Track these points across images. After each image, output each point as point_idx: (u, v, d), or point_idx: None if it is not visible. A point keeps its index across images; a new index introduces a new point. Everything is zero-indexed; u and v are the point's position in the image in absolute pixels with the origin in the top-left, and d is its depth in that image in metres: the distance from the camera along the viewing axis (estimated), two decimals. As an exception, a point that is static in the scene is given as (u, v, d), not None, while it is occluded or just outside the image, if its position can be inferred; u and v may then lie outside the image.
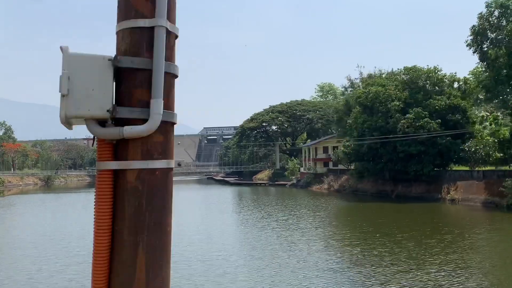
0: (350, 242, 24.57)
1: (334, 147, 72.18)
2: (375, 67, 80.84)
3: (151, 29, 1.93)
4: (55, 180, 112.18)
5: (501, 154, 52.26)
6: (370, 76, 65.78)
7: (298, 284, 16.22)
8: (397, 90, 52.03)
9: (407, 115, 48.82)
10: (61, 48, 1.93)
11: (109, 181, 1.93)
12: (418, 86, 52.37)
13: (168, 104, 1.98)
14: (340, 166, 67.72)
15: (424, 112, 48.94)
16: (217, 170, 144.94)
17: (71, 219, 37.11)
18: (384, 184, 54.94)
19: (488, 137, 50.94)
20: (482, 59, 45.77)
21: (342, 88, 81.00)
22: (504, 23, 44.30)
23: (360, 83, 66.53)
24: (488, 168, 48.07)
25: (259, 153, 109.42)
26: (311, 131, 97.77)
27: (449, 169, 51.45)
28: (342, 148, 58.38)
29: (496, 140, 51.02)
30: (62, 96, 1.93)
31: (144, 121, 1.90)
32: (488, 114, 58.92)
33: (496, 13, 44.90)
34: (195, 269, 18.41)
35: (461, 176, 46.63)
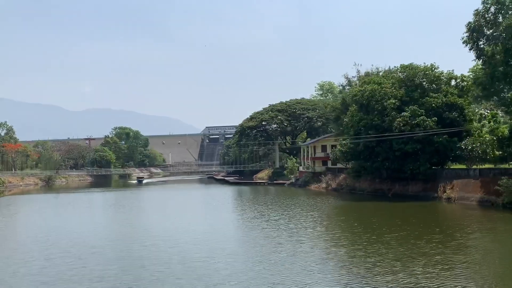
0: (337, 243, 24.25)
1: (332, 146, 71.76)
2: (372, 65, 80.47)
3: None
4: (56, 180, 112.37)
5: (500, 152, 51.75)
6: (367, 74, 65.32)
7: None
8: (393, 88, 51.55)
9: (403, 113, 48.35)
10: None
11: None
12: (415, 84, 51.85)
13: None
14: (339, 165, 67.26)
15: (420, 110, 48.44)
16: (219, 169, 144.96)
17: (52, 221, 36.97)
18: (381, 183, 54.49)
19: (487, 135, 50.42)
20: (478, 56, 45.18)
21: (340, 86, 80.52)
22: (500, 19, 43.71)
23: (357, 81, 66.03)
24: (486, 166, 47.53)
25: (259, 152, 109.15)
26: (311, 130, 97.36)
27: (447, 167, 50.96)
28: (339, 147, 57.98)
29: (494, 138, 50.53)
30: None
31: None
32: (488, 111, 58.45)
33: (492, 9, 44.25)
34: (172, 271, 18.17)
35: (457, 175, 46.13)
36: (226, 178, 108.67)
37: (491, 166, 48.23)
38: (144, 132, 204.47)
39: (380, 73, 62.43)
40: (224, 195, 63.60)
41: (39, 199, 62.23)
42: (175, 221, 34.92)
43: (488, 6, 44.24)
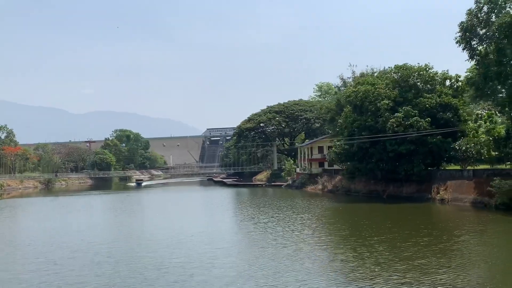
0: (321, 246, 23.93)
1: (329, 147, 71.27)
2: (367, 65, 79.67)
3: None
4: (56, 183, 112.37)
5: (496, 153, 51.26)
6: (362, 74, 64.93)
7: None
8: (387, 88, 51.19)
9: (397, 114, 47.97)
10: None
11: None
12: (409, 84, 51.47)
13: None
14: (335, 166, 66.85)
15: (414, 111, 48.05)
16: (220, 171, 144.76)
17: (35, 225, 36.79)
18: (376, 184, 54.13)
19: (483, 135, 49.98)
20: (471, 56, 44.76)
21: (335, 87, 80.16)
22: (493, 18, 43.29)
23: (352, 82, 65.68)
24: (481, 167, 47.06)
25: (257, 153, 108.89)
26: (309, 131, 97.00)
27: (443, 168, 50.54)
28: (333, 148, 57.67)
29: (491, 138, 50.06)
30: None
31: None
32: (485, 111, 57.93)
33: (485, 8, 43.84)
34: (145, 277, 17.92)
35: (451, 176, 45.69)
36: (224, 180, 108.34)
37: (487, 166, 47.79)
38: (147, 134, 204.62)
39: (375, 74, 62.03)
40: (219, 197, 63.34)
41: (34, 202, 62.14)
42: (161, 225, 34.71)
43: (481, 5, 43.80)
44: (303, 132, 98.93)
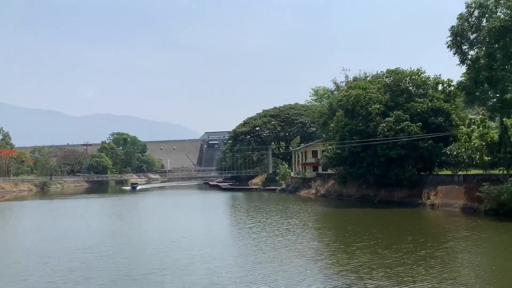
0: (300, 253, 23.48)
1: (323, 151, 71.01)
2: (360, 70, 79.78)
3: None
4: (51, 186, 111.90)
5: (489, 158, 50.92)
6: (355, 79, 64.71)
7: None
8: (378, 93, 50.93)
9: (387, 118, 47.67)
10: None
11: None
12: (401, 88, 51.23)
13: None
14: (329, 171, 66.55)
15: (405, 115, 47.78)
16: (217, 175, 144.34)
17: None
18: (368, 189, 53.80)
19: (476, 140, 49.66)
20: (462, 60, 44.51)
21: (329, 91, 79.98)
22: (484, 23, 43.07)
23: (345, 86, 65.49)
24: (474, 172, 46.70)
25: (253, 157, 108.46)
26: (304, 135, 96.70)
27: (435, 173, 50.19)
28: (325, 153, 57.38)
29: (484, 143, 49.74)
30: None
31: None
32: (479, 116, 57.62)
33: (476, 13, 43.67)
34: (116, 283, 17.56)
35: (442, 181, 45.34)
36: (219, 184, 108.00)
37: (481, 172, 47.45)
38: (146, 137, 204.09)
39: (368, 78, 61.80)
40: (211, 201, 62.99)
41: (23, 205, 61.79)
42: (144, 230, 34.38)
43: (472, 10, 43.59)
44: (299, 136, 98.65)
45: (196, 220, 41.28)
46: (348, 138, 50.75)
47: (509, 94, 43.00)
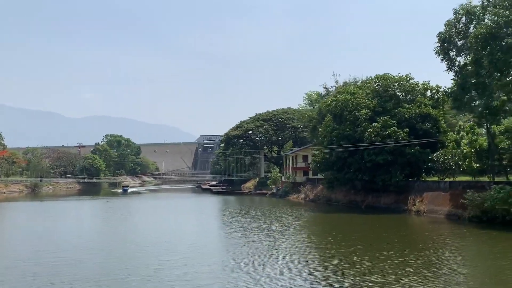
0: (274, 259, 23.09)
1: (313, 156, 70.69)
2: (350, 75, 79.65)
3: None
4: (43, 188, 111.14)
5: (478, 165, 50.67)
6: (345, 84, 64.54)
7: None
8: (366, 98, 50.70)
9: (374, 124, 47.41)
10: None
11: None
12: (389, 94, 51.01)
13: None
14: (320, 175, 66.23)
15: (392, 121, 47.54)
16: (211, 178, 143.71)
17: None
18: (356, 194, 53.48)
19: (466, 147, 49.43)
20: (449, 66, 44.36)
21: (319, 96, 79.85)
22: (471, 29, 42.96)
23: (335, 91, 65.31)
24: (463, 178, 46.38)
25: (246, 161, 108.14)
26: (297, 140, 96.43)
27: (423, 179, 49.89)
28: (313, 157, 57.08)
29: (472, 150, 49.51)
30: None
31: None
32: (469, 122, 57.44)
33: (463, 19, 43.56)
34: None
35: (429, 187, 45.05)
36: (211, 187, 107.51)
37: (469, 178, 47.18)
38: (143, 140, 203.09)
39: (358, 83, 61.63)
40: (200, 205, 62.62)
41: (6, 207, 61.19)
42: (121, 233, 33.95)
43: (460, 16, 43.47)
44: (291, 141, 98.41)
45: (178, 224, 40.80)
46: (335, 143, 50.47)
47: (496, 101, 42.89)
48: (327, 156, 53.00)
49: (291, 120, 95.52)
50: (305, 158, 74.79)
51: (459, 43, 43.88)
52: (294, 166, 76.24)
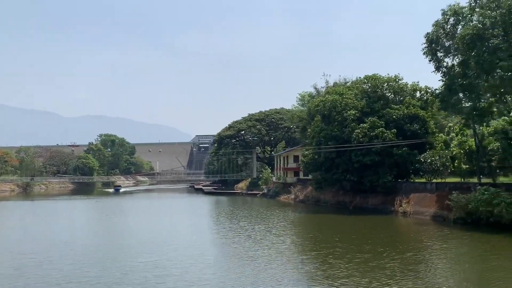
0: (251, 261, 22.75)
1: (302, 156, 70.44)
2: (340, 75, 79.55)
3: None
4: (35, 187, 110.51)
5: (467, 166, 50.56)
6: (335, 84, 64.33)
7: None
8: (355, 99, 50.47)
9: (362, 125, 47.19)
10: None
11: None
12: (377, 95, 50.80)
13: None
14: (310, 176, 65.95)
15: (380, 122, 47.33)
16: (205, 178, 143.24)
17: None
18: (344, 195, 53.30)
19: (455, 148, 49.30)
20: (437, 67, 44.16)
21: (310, 96, 79.62)
22: (459, 30, 42.76)
23: (324, 92, 65.08)
24: (453, 180, 46.23)
25: (239, 161, 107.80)
26: (289, 140, 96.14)
27: (412, 180, 49.69)
28: (302, 158, 56.85)
29: (462, 151, 49.39)
30: None
31: None
32: (459, 124, 57.35)
33: (451, 20, 43.37)
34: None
35: (416, 188, 44.85)
36: (203, 188, 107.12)
37: (459, 180, 47.02)
38: (139, 140, 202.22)
39: (348, 84, 61.42)
40: (190, 205, 62.23)
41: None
42: (102, 235, 33.57)
43: (447, 17, 43.27)
44: (284, 141, 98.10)
45: (163, 224, 40.38)
46: (324, 143, 50.24)
47: (483, 102, 42.74)
48: (316, 157, 52.77)
49: (283, 120, 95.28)
50: (296, 158, 74.52)
51: (446, 44, 43.67)
52: (285, 166, 76.00)
